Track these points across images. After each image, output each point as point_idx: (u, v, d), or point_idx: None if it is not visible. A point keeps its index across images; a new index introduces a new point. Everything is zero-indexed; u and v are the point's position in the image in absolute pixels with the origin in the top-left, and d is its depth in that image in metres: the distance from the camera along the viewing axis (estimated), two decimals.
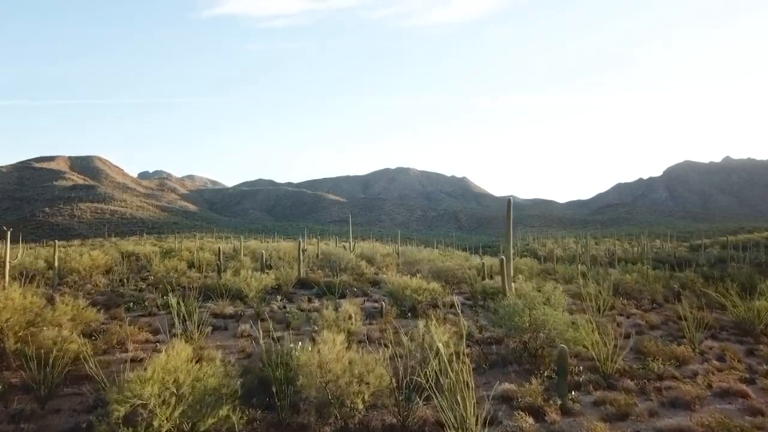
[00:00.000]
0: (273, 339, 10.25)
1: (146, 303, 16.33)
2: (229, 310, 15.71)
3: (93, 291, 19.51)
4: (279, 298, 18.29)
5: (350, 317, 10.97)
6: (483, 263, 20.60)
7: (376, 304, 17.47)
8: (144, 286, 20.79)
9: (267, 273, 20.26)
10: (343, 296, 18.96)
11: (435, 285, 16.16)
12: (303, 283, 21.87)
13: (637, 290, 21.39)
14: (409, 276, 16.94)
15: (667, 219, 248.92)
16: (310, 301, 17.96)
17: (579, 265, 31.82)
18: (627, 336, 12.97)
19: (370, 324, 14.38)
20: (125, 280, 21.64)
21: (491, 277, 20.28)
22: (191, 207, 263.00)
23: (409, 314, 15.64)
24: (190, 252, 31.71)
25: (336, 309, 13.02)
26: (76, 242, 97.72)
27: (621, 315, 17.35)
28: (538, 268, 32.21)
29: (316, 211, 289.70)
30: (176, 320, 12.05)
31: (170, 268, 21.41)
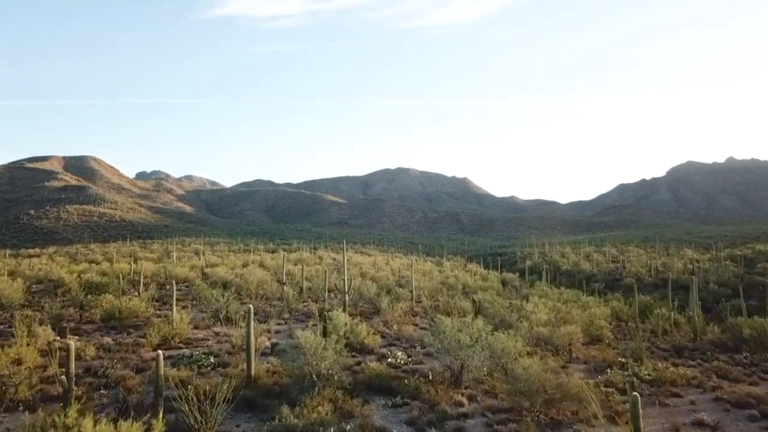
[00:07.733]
0: None
1: None
2: None
3: None
4: None
5: None
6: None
7: None
8: None
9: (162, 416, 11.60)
10: None
11: None
12: (251, 398, 12.41)
13: None
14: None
15: (673, 221, 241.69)
16: None
17: (670, 312, 23.77)
18: None
19: None
20: None
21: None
22: (187, 208, 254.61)
23: None
24: (117, 296, 22.25)
25: None
26: (51, 249, 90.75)
27: None
28: (602, 311, 23.56)
29: (315, 212, 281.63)
30: None
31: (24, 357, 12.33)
